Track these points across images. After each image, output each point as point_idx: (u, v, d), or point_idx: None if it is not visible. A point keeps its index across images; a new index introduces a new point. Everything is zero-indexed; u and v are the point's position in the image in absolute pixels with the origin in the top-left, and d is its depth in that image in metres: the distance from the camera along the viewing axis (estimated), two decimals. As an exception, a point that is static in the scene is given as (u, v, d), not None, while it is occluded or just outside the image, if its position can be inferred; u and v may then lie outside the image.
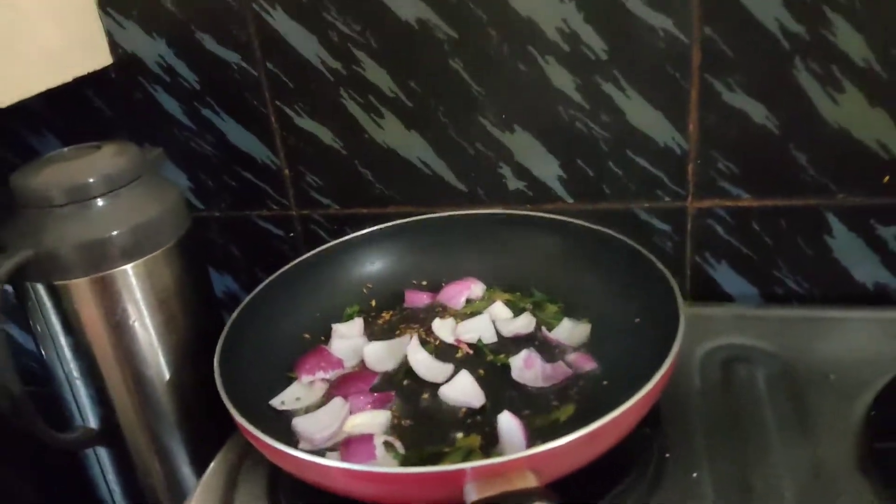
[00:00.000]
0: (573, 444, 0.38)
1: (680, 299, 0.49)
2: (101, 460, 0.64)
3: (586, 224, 0.61)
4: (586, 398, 0.50)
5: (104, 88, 0.71)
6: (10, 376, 0.52)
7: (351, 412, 0.51)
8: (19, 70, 0.57)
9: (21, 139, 0.76)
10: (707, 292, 0.67)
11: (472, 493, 0.36)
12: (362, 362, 0.57)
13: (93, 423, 0.60)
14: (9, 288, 0.56)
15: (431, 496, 0.38)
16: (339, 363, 0.56)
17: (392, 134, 0.67)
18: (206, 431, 0.58)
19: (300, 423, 0.50)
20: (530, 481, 0.36)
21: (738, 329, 0.61)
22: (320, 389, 0.54)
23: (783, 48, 0.56)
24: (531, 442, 0.45)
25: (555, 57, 0.60)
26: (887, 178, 0.58)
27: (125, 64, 0.69)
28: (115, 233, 0.54)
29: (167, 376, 0.59)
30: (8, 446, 0.69)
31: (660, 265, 0.53)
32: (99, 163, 0.55)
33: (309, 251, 0.64)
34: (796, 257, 0.63)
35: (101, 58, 0.68)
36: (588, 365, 0.53)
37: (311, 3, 0.62)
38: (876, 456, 0.44)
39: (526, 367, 0.53)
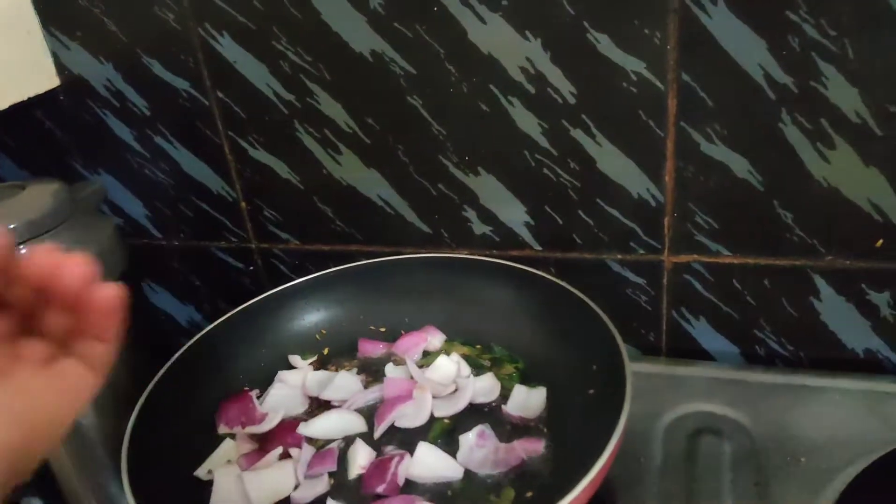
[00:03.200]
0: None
1: (629, 388, 0.44)
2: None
3: (550, 277, 0.56)
4: (527, 483, 0.46)
5: (54, 111, 0.68)
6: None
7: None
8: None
9: (-26, 159, 0.73)
10: (685, 349, 0.62)
11: None
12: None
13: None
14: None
15: None
16: (262, 417, 0.53)
17: (350, 170, 0.63)
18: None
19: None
20: None
21: (712, 394, 0.57)
22: (248, 446, 0.50)
23: (769, 99, 0.50)
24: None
25: (519, 98, 0.55)
26: (881, 241, 0.53)
27: (73, 86, 0.65)
28: (38, 281, 0.51)
29: (97, 423, 0.56)
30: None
31: (618, 338, 0.48)
32: (21, 207, 0.51)
33: (272, 286, 0.60)
34: (780, 318, 0.58)
35: (46, 80, 0.64)
36: (539, 448, 0.49)
37: (260, 31, 0.58)
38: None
39: (478, 445, 0.49)
